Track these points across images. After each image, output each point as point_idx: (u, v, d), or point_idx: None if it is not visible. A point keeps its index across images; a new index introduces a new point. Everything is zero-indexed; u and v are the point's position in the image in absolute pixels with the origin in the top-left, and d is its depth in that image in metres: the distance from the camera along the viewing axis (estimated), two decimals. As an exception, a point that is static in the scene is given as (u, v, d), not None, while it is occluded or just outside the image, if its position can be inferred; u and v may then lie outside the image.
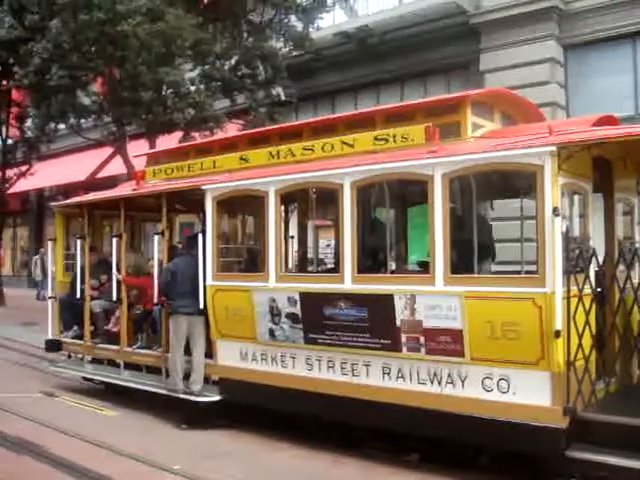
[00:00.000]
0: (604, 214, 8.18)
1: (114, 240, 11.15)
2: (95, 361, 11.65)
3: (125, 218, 11.17)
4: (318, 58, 20.01)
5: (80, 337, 11.79)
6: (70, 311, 12.12)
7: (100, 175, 25.38)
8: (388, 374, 7.61)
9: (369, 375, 7.77)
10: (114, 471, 7.49)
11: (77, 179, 26.00)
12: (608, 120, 7.88)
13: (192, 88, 17.97)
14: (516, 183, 8.25)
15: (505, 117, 8.62)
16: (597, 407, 6.67)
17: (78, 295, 11.67)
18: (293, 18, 19.06)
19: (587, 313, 6.65)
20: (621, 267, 7.41)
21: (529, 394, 6.63)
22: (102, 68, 17.56)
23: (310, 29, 18.94)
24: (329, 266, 10.92)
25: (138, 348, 10.79)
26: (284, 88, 19.51)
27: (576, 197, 7.48)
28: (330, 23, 19.64)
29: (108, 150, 23.45)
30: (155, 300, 10.24)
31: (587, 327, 6.63)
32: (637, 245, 8.18)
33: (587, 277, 6.74)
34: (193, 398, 9.37)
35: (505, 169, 7.25)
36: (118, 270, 10.99)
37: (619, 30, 15.70)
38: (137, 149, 17.56)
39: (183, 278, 9.49)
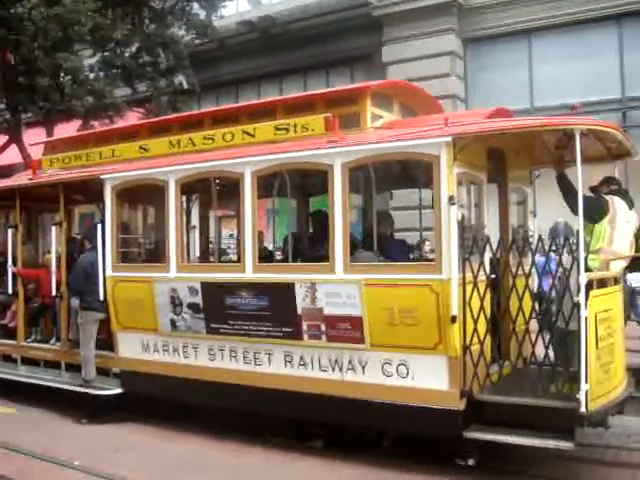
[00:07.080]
0: (498, 203, 8.45)
1: (9, 231, 10.81)
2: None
3: (21, 209, 10.82)
4: (221, 47, 19.89)
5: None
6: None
7: (-6, 164, 24.43)
8: (290, 362, 7.66)
9: (271, 363, 7.81)
10: (12, 470, 7.24)
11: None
12: (502, 113, 8.15)
13: (91, 75, 17.52)
14: (414, 173, 8.42)
15: (404, 108, 8.77)
16: (492, 389, 6.90)
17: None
18: (196, 6, 18.83)
19: (482, 299, 6.86)
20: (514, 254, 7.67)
21: (427, 378, 6.79)
22: (-6, 52, 16.91)
23: (213, 17, 18.79)
24: (231, 256, 10.88)
25: (33, 342, 10.50)
26: (186, 77, 19.24)
27: (472, 187, 7.70)
28: (234, 12, 19.53)
29: (2, 138, 22.57)
30: (53, 292, 9.97)
31: (482, 312, 6.84)
32: (530, 233, 8.51)
33: (482, 264, 6.95)
34: (103, 392, 9.13)
35: (403, 159, 7.43)
36: (14, 262, 10.63)
37: (516, 26, 16.30)
38: (34, 137, 16.99)
39: (94, 274, 9.24)
